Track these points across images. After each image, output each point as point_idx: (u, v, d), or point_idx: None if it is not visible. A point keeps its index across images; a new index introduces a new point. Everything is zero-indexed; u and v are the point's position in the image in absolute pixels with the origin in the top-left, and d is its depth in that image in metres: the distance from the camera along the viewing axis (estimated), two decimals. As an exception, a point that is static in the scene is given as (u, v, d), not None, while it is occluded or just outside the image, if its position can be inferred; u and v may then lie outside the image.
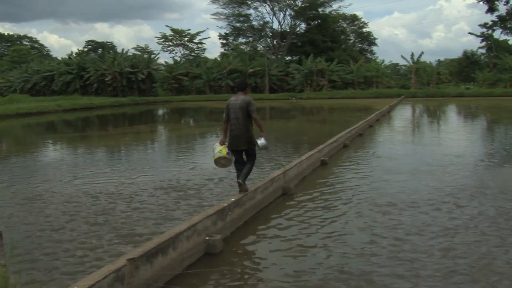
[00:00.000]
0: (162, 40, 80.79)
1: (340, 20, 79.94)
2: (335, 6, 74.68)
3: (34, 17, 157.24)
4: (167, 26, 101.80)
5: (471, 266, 5.23)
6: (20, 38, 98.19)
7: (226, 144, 7.36)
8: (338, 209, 7.68)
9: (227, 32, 77.67)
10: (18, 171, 12.12)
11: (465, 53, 77.00)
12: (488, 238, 6.10)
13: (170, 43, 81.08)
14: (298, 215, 7.43)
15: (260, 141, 7.38)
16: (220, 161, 7.40)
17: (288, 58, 71.33)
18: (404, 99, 49.09)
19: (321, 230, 6.64)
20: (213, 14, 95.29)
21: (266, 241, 6.36)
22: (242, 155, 7.43)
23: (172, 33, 79.49)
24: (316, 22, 72.38)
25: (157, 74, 65.04)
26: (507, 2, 58.40)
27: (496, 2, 58.51)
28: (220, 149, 7.30)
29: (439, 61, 72.51)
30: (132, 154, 15.32)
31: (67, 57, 67.70)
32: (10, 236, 6.05)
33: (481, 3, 58.63)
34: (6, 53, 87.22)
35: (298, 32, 73.43)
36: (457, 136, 17.89)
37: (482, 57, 74.75)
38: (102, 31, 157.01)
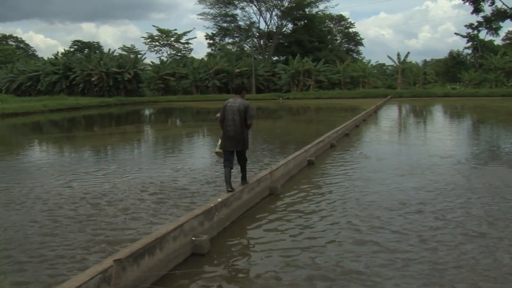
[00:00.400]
0: (148, 40, 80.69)
1: (327, 21, 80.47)
2: (321, 6, 75.31)
3: (19, 16, 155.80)
4: (154, 26, 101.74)
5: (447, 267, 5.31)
6: (5, 38, 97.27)
7: None
8: (323, 208, 7.73)
9: (214, 32, 78.02)
10: (3, 172, 11.99)
11: (451, 54, 78.03)
12: (468, 238, 6.19)
13: (157, 43, 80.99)
14: (285, 214, 7.49)
15: None
16: (220, 154, 8.05)
17: (275, 58, 71.56)
18: (391, 99, 49.45)
19: (307, 229, 6.69)
20: (199, 14, 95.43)
21: (253, 241, 6.40)
22: (233, 155, 7.67)
23: (159, 33, 79.37)
24: (302, 22, 72.73)
25: (143, 74, 64.83)
26: (492, 3, 59.18)
27: (481, 3, 59.22)
28: (219, 144, 7.94)
29: (425, 61, 73.34)
30: (118, 155, 15.23)
31: (53, 57, 67.17)
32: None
33: (467, 4, 59.37)
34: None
35: (285, 32, 73.70)
36: (443, 136, 18.06)
37: (468, 57, 75.79)
38: (88, 31, 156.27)
